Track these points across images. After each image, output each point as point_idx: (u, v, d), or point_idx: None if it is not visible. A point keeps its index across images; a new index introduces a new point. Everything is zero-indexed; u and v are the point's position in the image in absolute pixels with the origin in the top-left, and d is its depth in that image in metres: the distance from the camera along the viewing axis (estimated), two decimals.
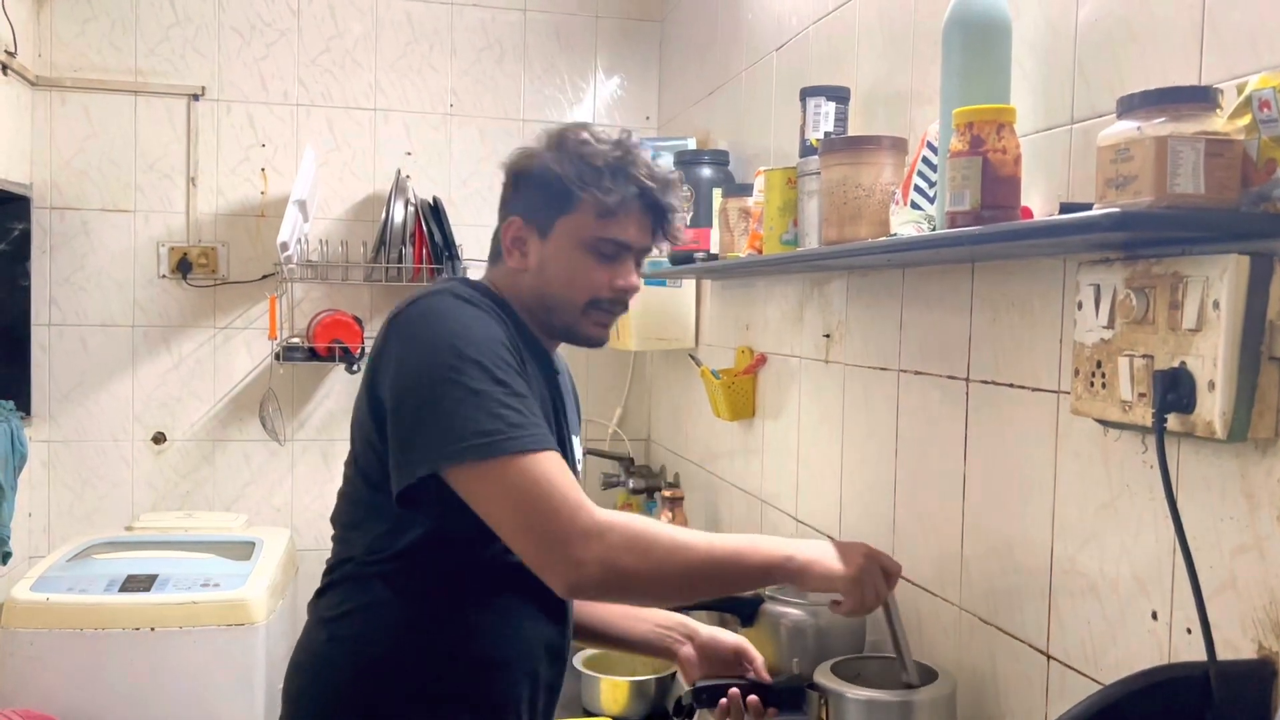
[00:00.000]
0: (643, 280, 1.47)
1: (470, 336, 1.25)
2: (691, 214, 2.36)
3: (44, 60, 2.97)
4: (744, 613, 1.74)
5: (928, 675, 1.43)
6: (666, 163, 2.62)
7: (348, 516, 1.39)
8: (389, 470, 1.26)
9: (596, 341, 1.45)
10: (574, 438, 1.50)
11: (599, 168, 1.35)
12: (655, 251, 1.48)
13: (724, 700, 1.46)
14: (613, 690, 1.88)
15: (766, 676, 1.52)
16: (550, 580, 1.20)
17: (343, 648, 1.34)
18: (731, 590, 1.50)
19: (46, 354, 3.01)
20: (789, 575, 1.28)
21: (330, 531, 1.43)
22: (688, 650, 1.55)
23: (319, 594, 1.41)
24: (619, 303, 1.42)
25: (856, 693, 1.38)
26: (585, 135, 1.38)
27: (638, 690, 1.88)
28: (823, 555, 1.27)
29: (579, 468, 1.49)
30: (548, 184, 1.36)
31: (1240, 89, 0.96)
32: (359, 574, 1.34)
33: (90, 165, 3.02)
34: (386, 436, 1.26)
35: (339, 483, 1.41)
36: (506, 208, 1.43)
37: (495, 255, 1.46)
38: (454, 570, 1.32)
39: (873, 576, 1.28)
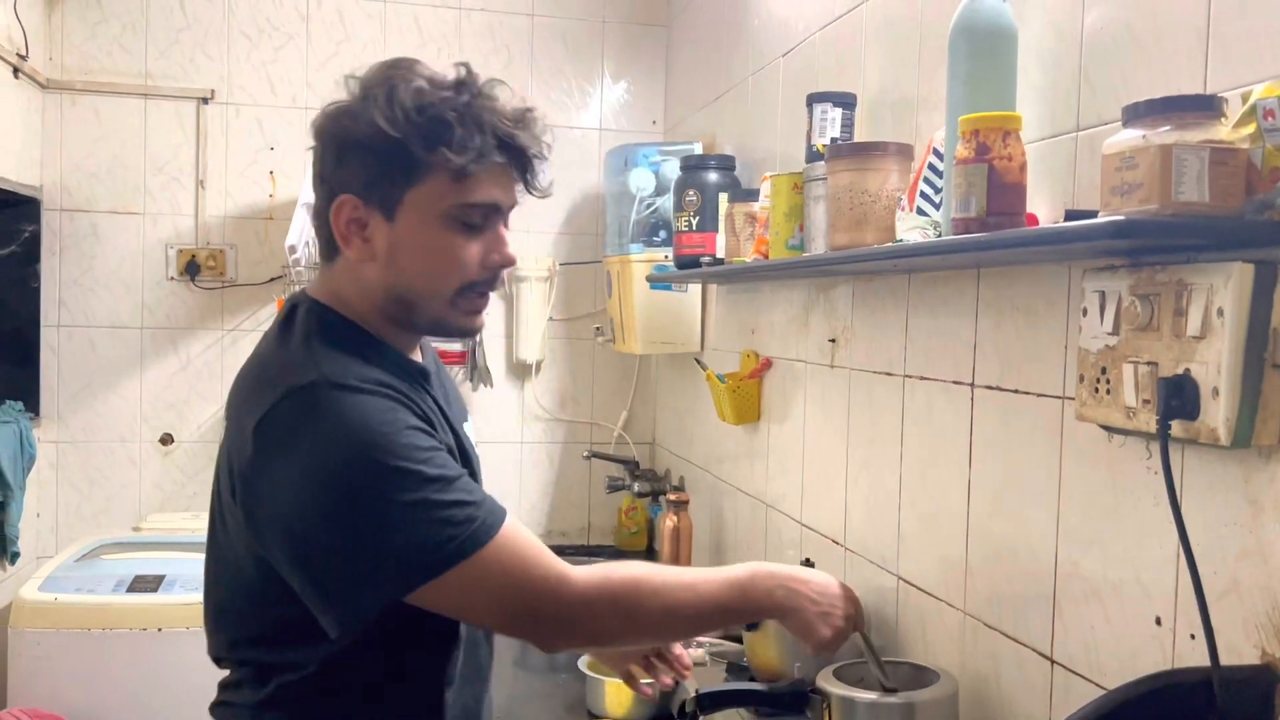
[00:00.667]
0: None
1: (377, 440, 1.05)
2: (698, 219, 2.37)
3: (55, 63, 2.99)
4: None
5: (928, 678, 1.43)
6: (672, 167, 2.65)
7: (242, 630, 1.19)
8: (297, 597, 1.10)
9: (470, 332, 1.24)
10: (464, 426, 1.31)
11: (447, 120, 1.10)
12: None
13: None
14: (617, 694, 1.89)
15: (688, 662, 1.53)
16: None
17: None
18: (704, 631, 1.49)
19: (55, 355, 3.02)
20: (774, 617, 1.32)
21: None
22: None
23: (220, 705, 1.23)
24: (494, 281, 1.19)
25: (860, 696, 1.39)
26: (419, 82, 1.12)
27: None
28: (806, 609, 1.30)
29: (475, 452, 1.30)
30: (387, 150, 1.10)
31: (1245, 98, 0.96)
32: (277, 696, 1.16)
33: (100, 168, 3.03)
34: (282, 563, 1.09)
35: None
36: (330, 182, 1.15)
37: (329, 245, 1.18)
38: (391, 658, 1.18)
39: (840, 640, 1.34)
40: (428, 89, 1.11)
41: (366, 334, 1.18)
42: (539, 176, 1.18)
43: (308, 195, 2.78)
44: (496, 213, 1.17)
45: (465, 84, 1.13)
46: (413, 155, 1.10)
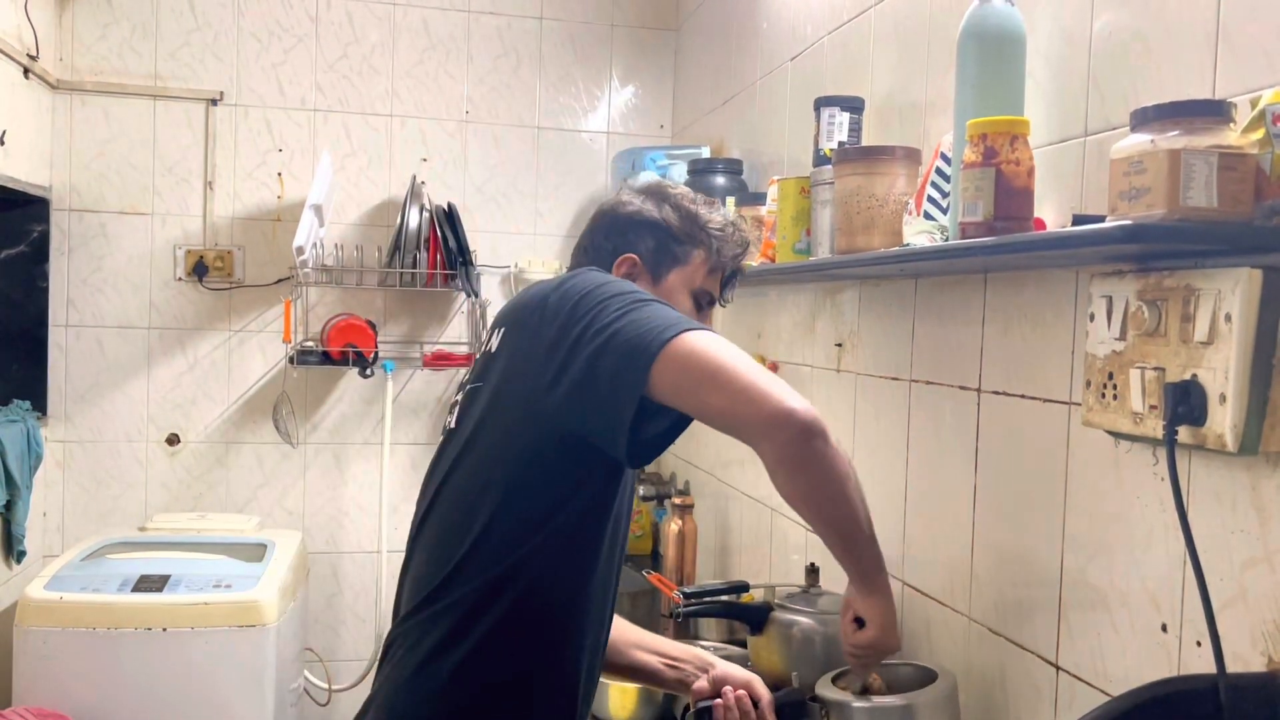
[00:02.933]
0: None
1: (625, 283, 1.36)
2: None
3: (65, 64, 3.00)
4: (753, 620, 1.74)
5: (927, 677, 1.43)
6: (680, 171, 2.66)
7: (478, 535, 1.33)
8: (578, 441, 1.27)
9: None
10: None
11: (712, 230, 1.52)
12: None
13: (719, 701, 1.47)
14: (621, 697, 1.88)
15: (771, 718, 1.52)
16: (783, 412, 1.18)
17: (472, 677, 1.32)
18: (854, 536, 1.32)
19: (63, 355, 3.03)
20: (884, 574, 1.30)
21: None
22: (702, 684, 1.56)
23: (427, 621, 1.34)
24: None
25: (859, 702, 1.38)
26: (693, 198, 1.55)
27: (646, 697, 1.88)
28: (890, 605, 1.31)
29: None
30: (668, 236, 1.51)
31: (1254, 103, 0.96)
32: (483, 589, 1.31)
33: (109, 168, 3.04)
34: (575, 406, 1.26)
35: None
36: (615, 243, 1.51)
37: None
38: (559, 575, 1.34)
39: (874, 651, 1.31)
40: (702, 205, 1.54)
41: None
42: (729, 297, 1.60)
43: (315, 197, 2.81)
44: (711, 305, 1.56)
45: (724, 213, 1.57)
46: (685, 244, 1.51)
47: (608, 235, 1.52)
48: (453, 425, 1.43)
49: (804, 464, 1.20)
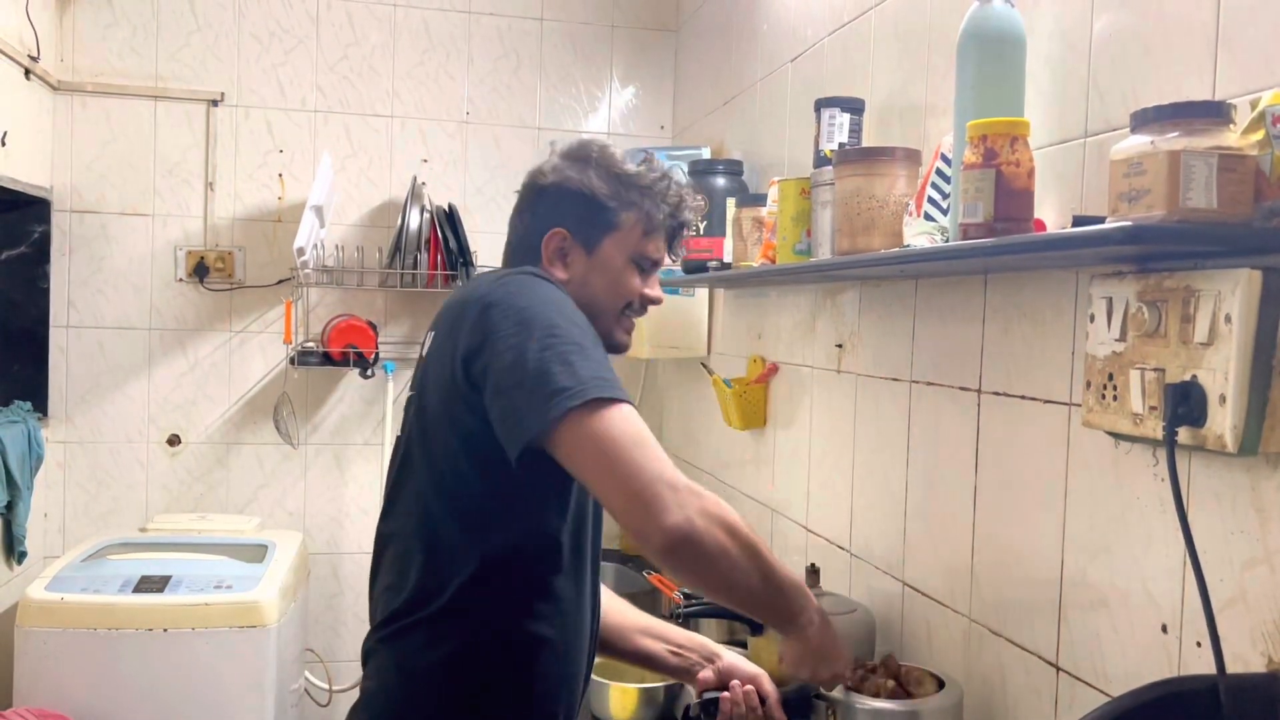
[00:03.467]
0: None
1: (565, 306, 1.31)
2: (706, 223, 2.37)
3: (66, 65, 3.00)
4: (754, 621, 1.74)
5: (935, 685, 1.43)
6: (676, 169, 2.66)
7: (429, 547, 1.34)
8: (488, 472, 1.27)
9: (623, 347, 1.50)
10: None
11: (643, 189, 1.45)
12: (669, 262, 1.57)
13: (727, 694, 1.47)
14: (621, 697, 1.88)
15: (780, 716, 1.52)
16: (647, 530, 1.17)
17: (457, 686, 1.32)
18: (757, 611, 1.40)
19: (64, 355, 3.03)
20: (800, 624, 1.31)
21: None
22: (707, 674, 1.55)
23: (399, 634, 1.35)
24: (643, 310, 1.50)
25: (863, 703, 1.39)
26: (619, 156, 1.47)
27: (646, 698, 1.88)
28: (826, 635, 1.33)
29: None
30: (594, 204, 1.44)
31: (1254, 104, 0.96)
32: (456, 605, 1.32)
33: (110, 169, 3.04)
34: (489, 402, 1.25)
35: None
36: (542, 217, 1.45)
37: (522, 258, 1.47)
38: (535, 576, 1.35)
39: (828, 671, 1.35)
40: (627, 162, 1.46)
41: None
42: (681, 248, 1.54)
43: (316, 198, 2.82)
44: (656, 266, 1.49)
45: (654, 163, 1.48)
46: (615, 211, 1.44)
47: (534, 210, 1.46)
48: (399, 434, 1.44)
49: (677, 569, 1.22)
